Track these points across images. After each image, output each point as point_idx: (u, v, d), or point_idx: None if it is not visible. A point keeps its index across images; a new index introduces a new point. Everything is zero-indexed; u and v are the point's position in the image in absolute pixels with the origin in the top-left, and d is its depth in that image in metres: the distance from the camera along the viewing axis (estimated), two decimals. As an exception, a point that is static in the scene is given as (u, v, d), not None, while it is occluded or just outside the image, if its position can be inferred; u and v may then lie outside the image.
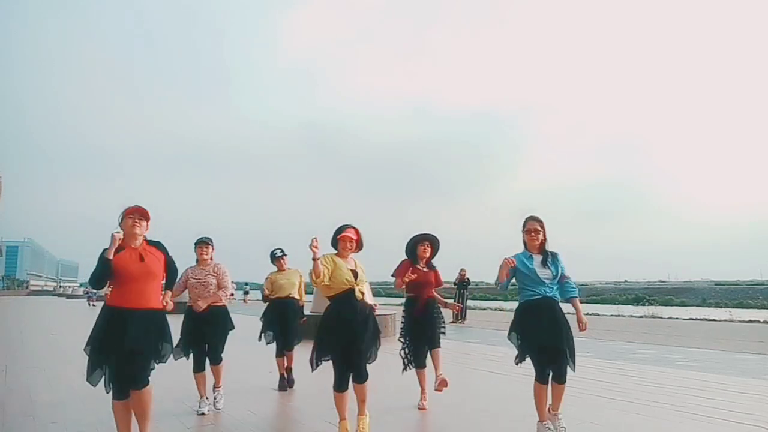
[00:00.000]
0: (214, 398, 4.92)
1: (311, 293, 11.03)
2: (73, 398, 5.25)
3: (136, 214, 3.40)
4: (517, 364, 3.95)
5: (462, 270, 16.35)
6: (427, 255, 4.98)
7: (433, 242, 5.00)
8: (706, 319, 18.50)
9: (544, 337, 3.73)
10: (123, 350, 3.21)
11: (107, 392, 3.31)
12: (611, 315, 21.10)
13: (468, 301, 16.18)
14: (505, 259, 3.86)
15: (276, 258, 6.07)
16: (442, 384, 4.77)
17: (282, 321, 5.98)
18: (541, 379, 3.80)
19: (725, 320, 17.75)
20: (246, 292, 37.88)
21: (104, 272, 3.29)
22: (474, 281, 19.23)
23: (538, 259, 3.94)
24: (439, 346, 4.97)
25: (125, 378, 3.26)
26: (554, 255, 3.99)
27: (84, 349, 3.33)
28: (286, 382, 5.91)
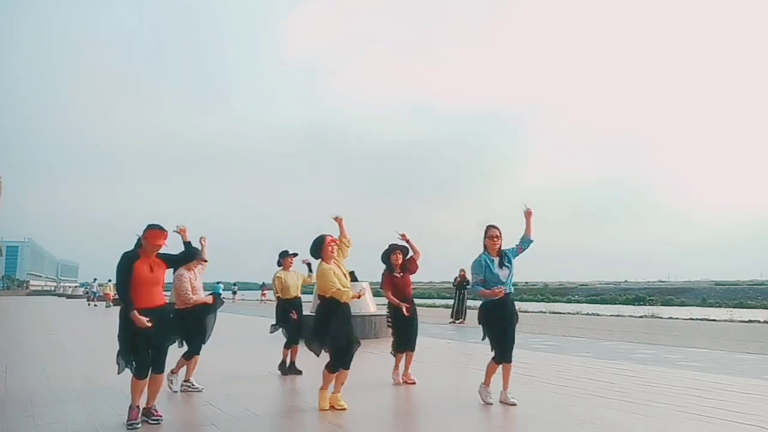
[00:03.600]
0: (191, 383, 5.54)
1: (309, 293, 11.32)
2: (73, 398, 5.26)
3: (159, 240, 4.23)
4: (483, 339, 4.98)
5: (462, 270, 16.35)
6: (400, 262, 5.89)
7: (403, 250, 5.90)
8: (706, 319, 18.46)
9: (507, 329, 4.80)
10: (144, 341, 4.09)
11: (119, 373, 4.20)
12: (611, 315, 21.08)
13: (468, 301, 16.25)
14: (495, 290, 4.71)
15: (289, 255, 6.60)
16: (409, 380, 5.87)
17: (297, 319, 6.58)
18: (500, 361, 4.81)
19: (725, 320, 17.71)
20: (234, 292, 38.46)
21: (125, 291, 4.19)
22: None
23: (496, 261, 4.84)
24: (414, 350, 5.89)
25: (147, 363, 4.15)
26: (506, 253, 4.89)
27: (119, 348, 4.14)
28: (287, 368, 6.50)
